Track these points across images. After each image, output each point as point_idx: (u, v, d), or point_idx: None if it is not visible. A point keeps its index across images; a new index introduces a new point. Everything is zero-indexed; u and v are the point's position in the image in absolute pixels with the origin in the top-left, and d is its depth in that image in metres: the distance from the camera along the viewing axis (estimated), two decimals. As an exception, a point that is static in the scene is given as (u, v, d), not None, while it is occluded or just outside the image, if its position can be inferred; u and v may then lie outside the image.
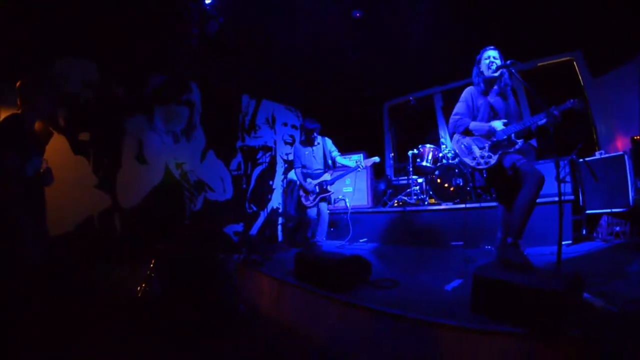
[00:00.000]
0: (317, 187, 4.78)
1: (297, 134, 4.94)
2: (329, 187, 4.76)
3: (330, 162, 4.90)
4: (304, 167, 4.92)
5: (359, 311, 2.50)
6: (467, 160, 2.89)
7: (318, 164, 4.90)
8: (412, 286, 2.86)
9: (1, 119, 2.71)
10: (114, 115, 4.92)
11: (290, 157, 7.17)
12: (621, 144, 4.91)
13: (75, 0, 3.94)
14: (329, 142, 4.93)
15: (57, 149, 4.23)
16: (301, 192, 4.93)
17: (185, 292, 3.41)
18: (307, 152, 4.91)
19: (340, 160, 4.85)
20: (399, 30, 5.10)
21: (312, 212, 4.79)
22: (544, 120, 2.50)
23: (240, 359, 2.59)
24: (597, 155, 4.17)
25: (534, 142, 5.62)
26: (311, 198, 4.78)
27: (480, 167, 2.81)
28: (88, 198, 4.60)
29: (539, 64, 5.77)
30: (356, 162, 4.74)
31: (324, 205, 4.78)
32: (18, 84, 2.78)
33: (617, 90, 5.00)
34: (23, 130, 2.71)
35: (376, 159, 4.77)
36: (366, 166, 4.82)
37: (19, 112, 2.76)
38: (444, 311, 2.16)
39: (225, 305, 3.39)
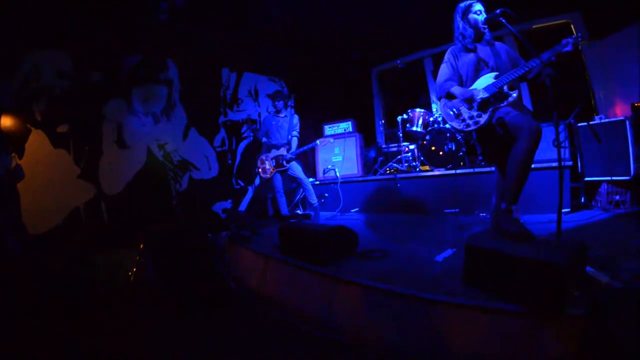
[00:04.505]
0: (273, 161, 4.77)
1: (280, 105, 4.83)
2: (284, 163, 4.70)
3: (289, 137, 4.84)
4: (267, 136, 4.97)
5: (345, 285, 2.38)
6: (455, 124, 2.63)
7: (282, 137, 4.88)
8: (402, 257, 2.74)
9: None
10: (90, 102, 4.78)
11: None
12: (620, 110, 4.71)
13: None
14: (295, 118, 4.89)
15: (36, 145, 4.22)
16: (259, 163, 4.96)
17: (176, 273, 3.39)
18: (273, 122, 4.95)
19: (294, 142, 4.80)
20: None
21: (277, 183, 4.82)
22: (539, 66, 2.22)
23: (230, 338, 2.50)
24: (597, 120, 3.94)
25: (529, 105, 5.41)
26: (268, 170, 4.82)
27: (470, 129, 2.54)
28: (72, 190, 4.57)
29: (534, 26, 5.48)
30: (315, 140, 4.81)
31: (278, 177, 4.83)
32: None
33: (617, 55, 4.76)
34: None
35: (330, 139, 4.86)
36: (323, 143, 4.82)
37: None
38: (434, 284, 2.03)
39: (216, 284, 3.41)
